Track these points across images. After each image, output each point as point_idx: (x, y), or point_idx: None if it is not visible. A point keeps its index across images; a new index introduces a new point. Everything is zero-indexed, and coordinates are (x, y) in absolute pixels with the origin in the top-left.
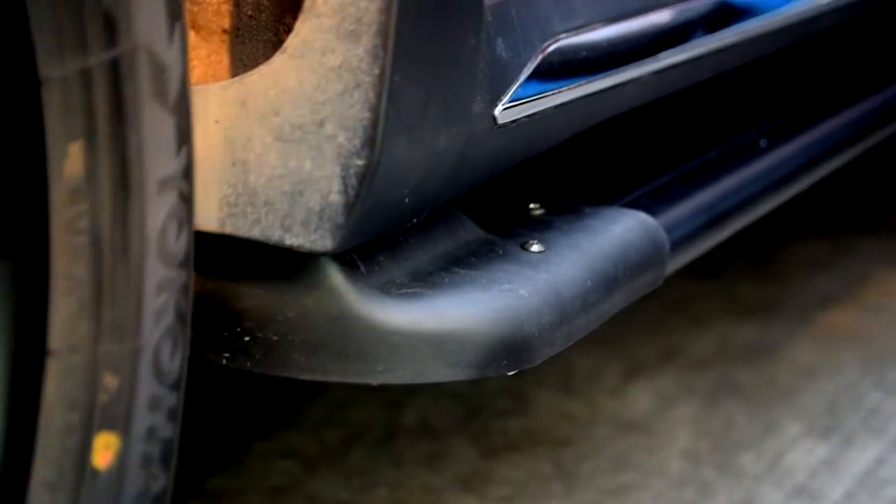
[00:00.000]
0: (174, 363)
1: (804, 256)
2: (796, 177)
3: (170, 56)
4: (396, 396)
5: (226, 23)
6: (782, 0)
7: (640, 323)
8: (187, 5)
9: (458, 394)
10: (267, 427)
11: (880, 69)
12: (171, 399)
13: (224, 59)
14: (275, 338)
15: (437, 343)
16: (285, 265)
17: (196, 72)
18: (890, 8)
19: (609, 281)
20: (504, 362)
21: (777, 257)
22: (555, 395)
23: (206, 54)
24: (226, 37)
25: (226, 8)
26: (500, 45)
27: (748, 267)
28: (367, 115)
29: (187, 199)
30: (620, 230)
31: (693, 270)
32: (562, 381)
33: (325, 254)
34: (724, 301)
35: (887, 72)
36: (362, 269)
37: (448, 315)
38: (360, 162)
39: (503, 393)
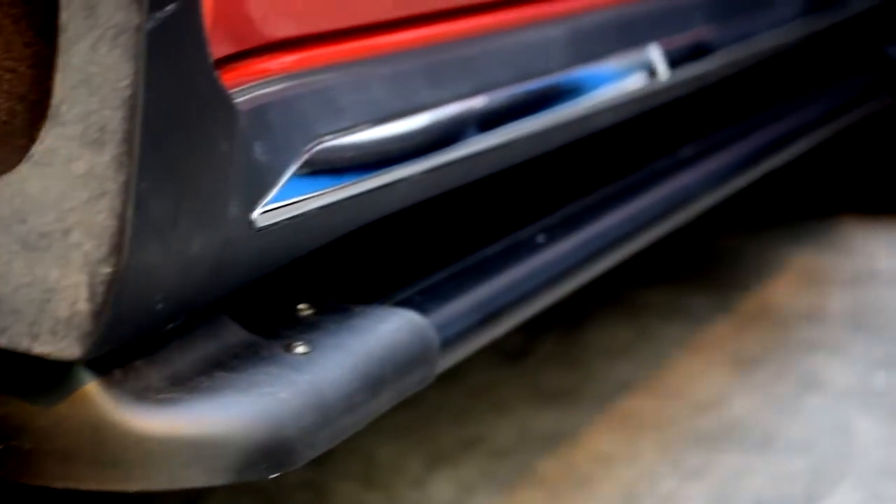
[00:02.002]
0: None
1: (606, 341)
2: (575, 271)
3: None
4: (195, 491)
5: None
6: (559, 101)
7: (443, 411)
8: None
9: (258, 488)
10: None
11: (657, 164)
12: None
13: None
14: (28, 446)
15: (193, 448)
16: (38, 373)
17: None
18: (665, 108)
19: (375, 381)
20: (263, 466)
21: (580, 342)
22: (355, 487)
23: None
24: None
25: None
26: (257, 149)
27: (551, 352)
28: (113, 222)
29: None
30: (388, 330)
31: (497, 355)
32: (363, 471)
33: (74, 361)
34: (527, 387)
35: (664, 167)
36: (118, 375)
37: (205, 420)
38: (107, 270)
39: (303, 486)
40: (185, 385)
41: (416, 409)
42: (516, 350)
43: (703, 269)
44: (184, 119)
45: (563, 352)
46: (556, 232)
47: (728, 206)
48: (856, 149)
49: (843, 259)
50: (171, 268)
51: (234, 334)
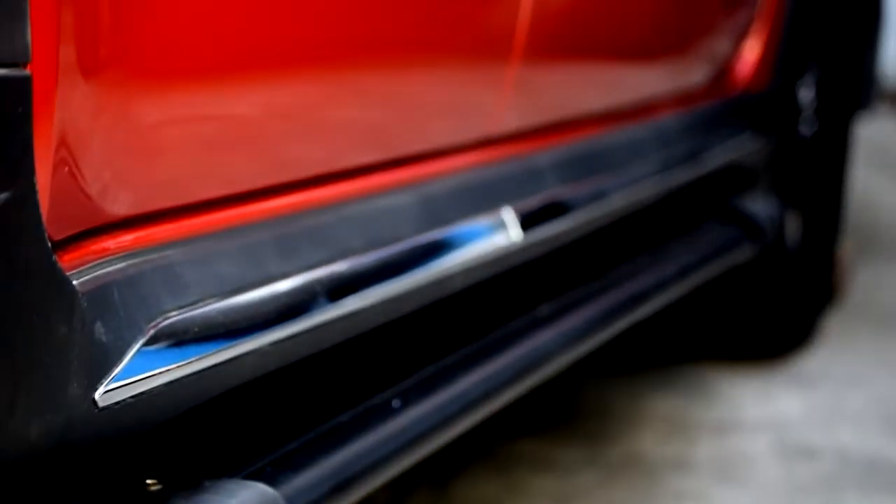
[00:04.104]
0: None
1: (476, 496)
2: (433, 435)
3: None
4: None
5: None
6: (411, 267)
7: None
8: None
9: None
10: None
11: (514, 323)
12: None
13: None
14: None
15: None
16: None
17: None
18: (523, 267)
19: None
20: None
21: (449, 497)
22: None
23: None
24: None
25: None
26: (99, 328)
27: None
28: None
29: None
30: None
31: None
32: None
33: None
34: None
35: (521, 326)
36: None
37: None
38: None
39: None
40: None
41: None
42: (388, 501)
43: (572, 419)
44: (20, 304)
45: None
46: (412, 396)
47: (596, 353)
48: (720, 296)
49: (709, 407)
50: (9, 453)
51: None
